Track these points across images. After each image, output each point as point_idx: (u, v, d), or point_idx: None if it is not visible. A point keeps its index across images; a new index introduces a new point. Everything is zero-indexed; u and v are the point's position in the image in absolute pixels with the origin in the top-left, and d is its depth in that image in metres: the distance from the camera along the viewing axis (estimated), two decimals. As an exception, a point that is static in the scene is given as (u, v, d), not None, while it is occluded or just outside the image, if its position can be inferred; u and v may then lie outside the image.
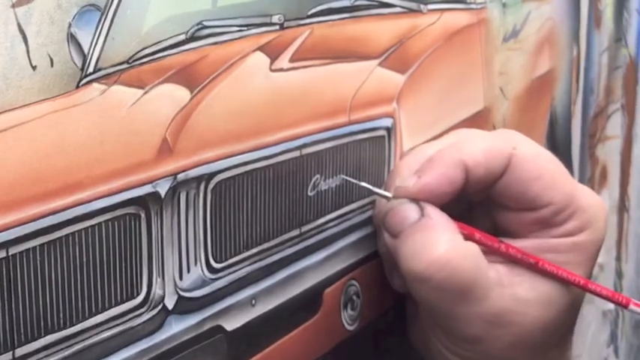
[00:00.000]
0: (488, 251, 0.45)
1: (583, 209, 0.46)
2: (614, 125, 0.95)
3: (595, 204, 0.47)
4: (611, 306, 0.97)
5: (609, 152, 0.94)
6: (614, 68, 0.92)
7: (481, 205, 0.48)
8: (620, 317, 1.02)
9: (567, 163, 0.83)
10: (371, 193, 0.47)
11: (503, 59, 0.62)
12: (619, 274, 1.00)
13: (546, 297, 0.46)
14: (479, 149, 0.45)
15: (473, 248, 0.44)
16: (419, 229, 0.44)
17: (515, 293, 0.45)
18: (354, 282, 0.49)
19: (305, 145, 0.44)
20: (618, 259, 1.00)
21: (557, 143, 0.79)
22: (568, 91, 0.79)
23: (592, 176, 0.89)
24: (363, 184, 0.46)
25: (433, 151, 0.46)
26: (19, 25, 0.30)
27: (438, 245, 0.43)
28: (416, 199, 0.44)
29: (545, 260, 0.46)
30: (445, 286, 0.43)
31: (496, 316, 0.44)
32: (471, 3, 0.57)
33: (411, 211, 0.44)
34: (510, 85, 0.64)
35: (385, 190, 0.46)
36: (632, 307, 0.48)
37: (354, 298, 0.49)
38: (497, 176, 0.45)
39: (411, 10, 0.51)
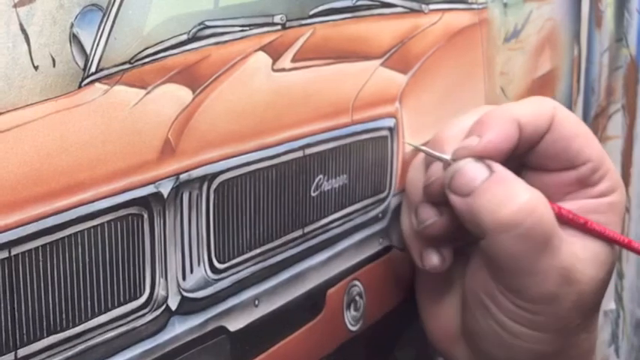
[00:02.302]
0: None
1: (612, 171, 0.48)
2: (615, 125, 0.95)
3: (615, 168, 0.49)
4: (612, 305, 0.97)
5: (610, 152, 0.94)
6: (615, 68, 0.92)
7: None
8: (621, 317, 1.02)
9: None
10: (377, 193, 0.47)
11: (504, 59, 0.62)
12: (620, 274, 1.00)
13: (598, 257, 0.47)
14: (527, 107, 0.47)
15: (546, 199, 0.45)
16: (495, 183, 0.44)
17: (575, 250, 0.46)
18: (357, 282, 0.49)
19: (308, 145, 0.44)
20: (619, 259, 1.00)
21: (558, 143, 0.79)
22: (569, 91, 0.79)
23: (593, 176, 0.89)
24: (421, 147, 0.47)
25: (471, 120, 0.47)
26: (21, 25, 0.30)
27: (520, 195, 0.44)
28: (480, 158, 0.45)
29: (592, 221, 0.47)
30: (533, 232, 0.43)
31: (567, 271, 0.45)
32: (472, 3, 0.57)
33: (479, 169, 0.45)
34: (511, 85, 0.64)
35: (429, 163, 0.47)
36: None
37: (357, 298, 0.49)
38: (542, 133, 0.47)
39: (412, 10, 0.51)
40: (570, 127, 0.47)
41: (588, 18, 0.81)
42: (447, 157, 0.45)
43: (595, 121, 0.88)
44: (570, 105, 0.80)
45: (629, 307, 1.04)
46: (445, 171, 0.46)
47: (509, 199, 0.44)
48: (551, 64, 0.72)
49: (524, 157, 0.48)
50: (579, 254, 0.46)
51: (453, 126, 0.48)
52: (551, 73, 0.73)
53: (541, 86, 0.71)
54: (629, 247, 0.48)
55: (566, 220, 0.46)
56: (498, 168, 0.45)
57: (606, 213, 0.48)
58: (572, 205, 0.47)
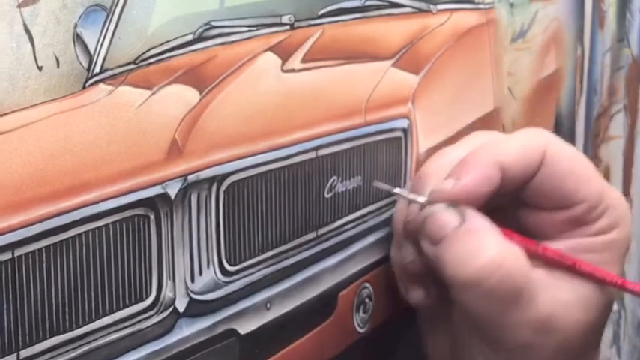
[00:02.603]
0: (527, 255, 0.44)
1: (614, 206, 0.46)
2: (617, 125, 0.95)
3: (622, 202, 0.47)
4: (613, 306, 0.97)
5: (612, 152, 0.94)
6: (617, 68, 0.92)
7: (505, 210, 0.47)
8: (623, 317, 1.02)
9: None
10: (391, 195, 0.46)
11: (511, 59, 0.62)
12: (621, 275, 1.00)
13: (586, 299, 0.45)
14: (513, 147, 0.45)
15: (519, 251, 0.43)
16: (464, 234, 0.43)
17: (557, 296, 0.44)
18: (367, 284, 0.48)
19: (321, 147, 0.43)
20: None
21: (563, 144, 0.79)
22: (572, 91, 0.79)
23: (596, 177, 0.89)
24: (397, 190, 0.45)
25: (458, 154, 0.45)
26: (24, 26, 0.30)
27: (487, 249, 0.42)
28: (454, 203, 0.43)
29: (581, 261, 0.45)
30: (497, 290, 0.42)
31: (544, 322, 0.43)
32: (479, 3, 0.57)
33: (451, 216, 0.43)
34: (518, 85, 0.64)
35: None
36: None
37: (367, 300, 0.49)
38: (532, 174, 0.45)
39: (421, 11, 0.51)
40: (564, 164, 0.45)
41: (591, 18, 0.81)
42: (422, 199, 0.44)
43: (597, 121, 0.88)
44: (574, 105, 0.80)
45: (630, 307, 1.04)
46: (419, 213, 0.44)
47: (474, 254, 0.42)
48: (556, 64, 0.72)
49: (519, 192, 0.46)
50: (564, 298, 0.44)
51: (438, 159, 0.47)
52: (556, 73, 0.73)
53: (547, 86, 0.70)
54: (623, 288, 0.46)
55: (553, 262, 0.45)
56: (471, 216, 0.43)
57: (602, 252, 0.46)
58: (565, 244, 0.45)
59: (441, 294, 0.46)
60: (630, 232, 0.47)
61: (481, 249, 0.42)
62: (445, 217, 0.43)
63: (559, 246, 0.45)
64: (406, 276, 0.48)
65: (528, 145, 0.45)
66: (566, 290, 0.44)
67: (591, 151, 0.88)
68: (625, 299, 1.02)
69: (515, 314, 0.43)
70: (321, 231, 0.45)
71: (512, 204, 0.46)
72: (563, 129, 0.79)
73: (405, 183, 0.51)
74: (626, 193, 1.01)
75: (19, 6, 0.30)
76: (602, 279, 0.45)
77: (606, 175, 0.94)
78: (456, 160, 0.45)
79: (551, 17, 0.70)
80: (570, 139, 0.82)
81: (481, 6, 0.57)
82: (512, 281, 0.42)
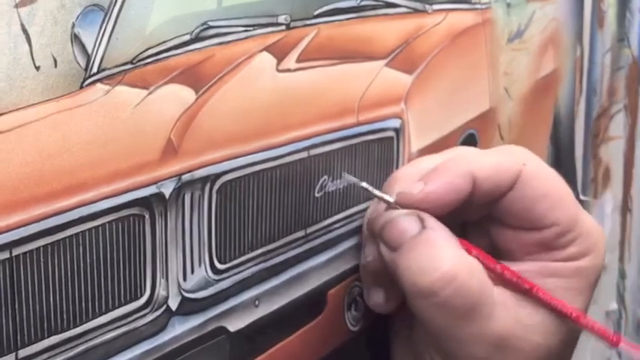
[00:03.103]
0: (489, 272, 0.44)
1: (586, 234, 0.45)
2: (617, 126, 0.95)
3: (597, 229, 0.46)
4: (614, 306, 0.97)
5: (612, 153, 0.94)
6: (617, 69, 0.92)
7: (477, 224, 0.47)
8: (623, 318, 1.02)
9: (570, 164, 0.82)
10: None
11: (507, 59, 0.62)
12: (622, 275, 1.00)
13: (547, 325, 0.44)
14: (488, 161, 0.44)
15: (477, 265, 0.43)
16: (422, 243, 0.42)
17: (518, 316, 0.43)
18: (358, 283, 0.49)
19: (313, 146, 0.44)
20: (621, 259, 1.00)
21: (561, 144, 0.79)
22: (571, 91, 0.79)
23: (595, 177, 0.89)
24: (364, 184, 0.45)
25: (434, 162, 0.45)
26: (22, 26, 0.30)
27: (444, 260, 0.42)
28: (415, 210, 0.43)
29: (540, 287, 0.44)
30: (451, 303, 0.41)
31: (500, 339, 0.43)
32: (475, 3, 0.57)
33: (411, 222, 0.43)
34: (515, 85, 0.64)
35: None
36: (622, 346, 0.45)
37: (358, 299, 0.49)
38: (504, 191, 0.44)
39: (416, 11, 0.51)
40: (539, 186, 0.44)
41: (591, 18, 0.81)
42: (387, 197, 0.44)
43: (597, 121, 0.88)
44: (573, 105, 0.80)
45: (631, 308, 1.04)
46: (381, 215, 0.44)
47: (429, 265, 0.41)
48: (554, 64, 0.72)
49: (491, 208, 0.45)
50: (525, 320, 0.43)
51: (418, 162, 0.47)
52: (554, 74, 0.73)
53: (544, 87, 0.71)
54: (577, 322, 0.44)
55: (510, 283, 0.44)
56: (431, 225, 0.43)
57: (570, 278, 0.45)
58: (533, 266, 0.45)
59: (403, 303, 0.46)
60: (603, 261, 0.46)
61: (437, 260, 0.42)
62: (404, 224, 0.43)
63: (527, 267, 0.45)
64: (367, 276, 0.47)
65: (504, 161, 0.45)
66: (527, 312, 0.44)
67: (591, 151, 0.88)
68: (625, 300, 1.02)
69: (470, 328, 0.42)
70: (309, 229, 0.45)
71: (485, 220, 0.46)
72: (562, 129, 0.79)
73: None
74: (626, 193, 1.01)
75: (17, 6, 0.30)
76: (558, 309, 0.44)
77: (606, 176, 0.94)
78: (430, 167, 0.44)
79: (550, 17, 0.70)
80: (570, 139, 0.82)
81: (477, 6, 0.57)
82: (466, 295, 0.42)
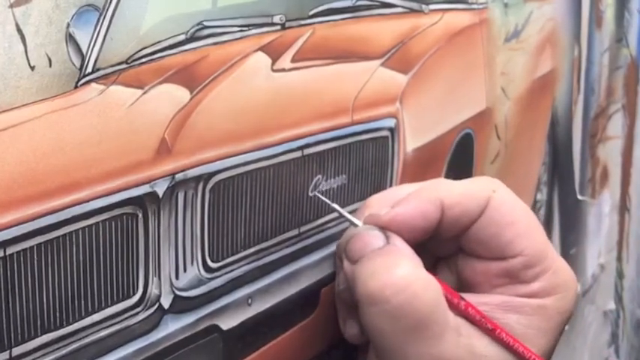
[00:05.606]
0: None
1: (553, 271, 0.44)
2: (615, 125, 0.95)
3: (567, 271, 0.45)
4: (612, 306, 0.97)
5: (610, 152, 0.95)
6: (615, 68, 0.92)
7: (446, 260, 0.46)
8: (622, 317, 1.02)
9: (568, 163, 0.83)
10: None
11: (504, 59, 0.62)
12: (620, 275, 1.00)
13: (503, 358, 0.43)
14: (457, 189, 0.44)
15: (435, 283, 0.42)
16: (381, 254, 0.42)
17: (471, 345, 0.42)
18: None
19: (307, 146, 0.44)
20: (619, 259, 1.00)
21: (558, 144, 0.79)
22: (569, 91, 0.79)
23: (593, 177, 0.89)
24: (335, 206, 0.45)
25: (408, 191, 0.45)
26: (17, 25, 0.30)
27: (399, 268, 0.41)
28: (385, 229, 0.43)
29: (504, 329, 0.43)
30: (401, 312, 0.40)
31: None
32: (472, 3, 0.57)
33: (375, 237, 0.43)
34: (512, 85, 0.64)
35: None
36: None
37: None
38: (474, 218, 0.44)
39: (412, 11, 0.51)
40: (507, 212, 0.44)
41: (588, 18, 0.82)
42: (356, 221, 0.44)
43: (595, 121, 0.88)
44: (570, 105, 0.80)
45: (629, 308, 1.04)
46: (347, 234, 0.44)
47: (384, 271, 0.41)
48: (551, 64, 0.72)
49: (459, 239, 0.45)
50: (478, 350, 0.43)
51: (391, 190, 0.47)
52: (551, 74, 0.73)
53: (541, 86, 0.71)
54: None
55: (473, 321, 0.43)
56: (396, 241, 0.43)
57: (532, 316, 0.44)
58: (496, 299, 0.44)
59: None
60: (572, 307, 0.45)
61: (392, 267, 0.41)
62: (369, 238, 0.43)
63: (490, 299, 0.44)
64: (340, 306, 0.47)
65: (473, 189, 0.45)
66: (484, 343, 0.43)
67: (589, 151, 0.88)
68: (624, 300, 1.02)
69: (419, 346, 0.41)
70: (303, 228, 0.45)
71: (453, 253, 0.46)
72: (560, 129, 0.79)
73: (390, 182, 0.51)
74: (624, 192, 1.01)
75: (11, 6, 0.30)
76: (520, 353, 0.43)
77: (604, 175, 0.94)
78: (403, 195, 0.44)
79: (547, 17, 0.70)
80: (567, 139, 0.82)
81: (474, 6, 0.57)
82: (418, 306, 0.41)
